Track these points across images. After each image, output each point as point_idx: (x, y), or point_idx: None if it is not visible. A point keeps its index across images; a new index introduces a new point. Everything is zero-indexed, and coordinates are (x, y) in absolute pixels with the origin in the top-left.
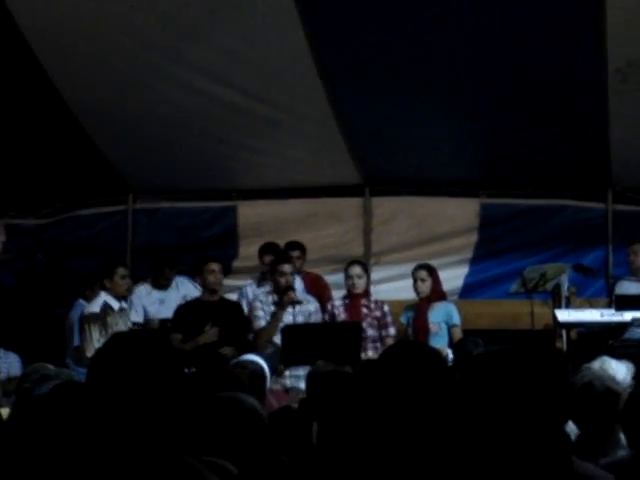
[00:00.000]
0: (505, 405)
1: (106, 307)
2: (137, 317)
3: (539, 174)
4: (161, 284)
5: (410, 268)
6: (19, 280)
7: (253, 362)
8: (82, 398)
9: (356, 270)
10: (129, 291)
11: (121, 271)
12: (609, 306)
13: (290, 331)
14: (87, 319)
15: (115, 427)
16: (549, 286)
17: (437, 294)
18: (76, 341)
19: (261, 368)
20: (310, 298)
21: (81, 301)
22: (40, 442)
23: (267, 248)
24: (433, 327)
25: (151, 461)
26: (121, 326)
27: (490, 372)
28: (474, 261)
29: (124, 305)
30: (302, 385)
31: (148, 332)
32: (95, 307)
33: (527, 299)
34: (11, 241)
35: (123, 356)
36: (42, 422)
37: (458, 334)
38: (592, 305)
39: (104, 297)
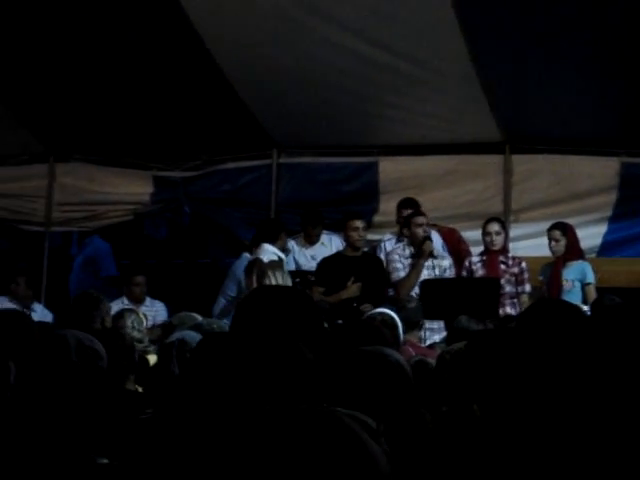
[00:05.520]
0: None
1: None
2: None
3: None
4: (308, 241)
5: (549, 226)
6: (169, 230)
7: (382, 313)
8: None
9: (494, 227)
10: None
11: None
12: None
13: (428, 285)
14: (269, 266)
15: (252, 377)
16: None
17: (574, 253)
18: (232, 291)
19: (390, 317)
20: (445, 254)
21: (246, 254)
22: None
23: (405, 203)
24: (566, 284)
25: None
26: (285, 277)
27: (623, 323)
28: (613, 219)
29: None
30: (436, 338)
31: (290, 288)
32: (273, 256)
33: None
34: (159, 192)
35: (264, 308)
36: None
37: (592, 292)
38: None
39: (268, 247)
